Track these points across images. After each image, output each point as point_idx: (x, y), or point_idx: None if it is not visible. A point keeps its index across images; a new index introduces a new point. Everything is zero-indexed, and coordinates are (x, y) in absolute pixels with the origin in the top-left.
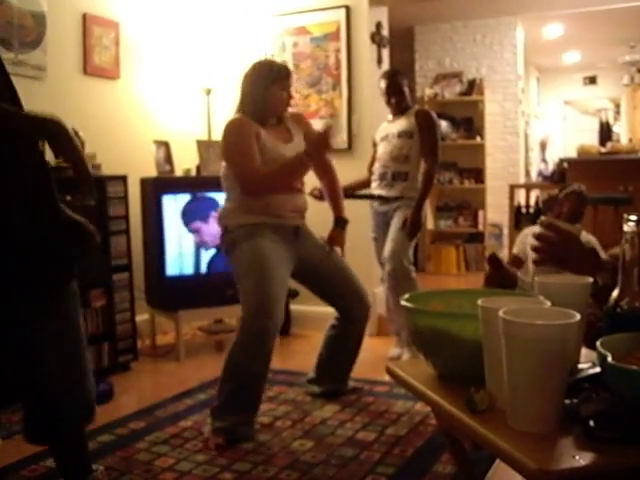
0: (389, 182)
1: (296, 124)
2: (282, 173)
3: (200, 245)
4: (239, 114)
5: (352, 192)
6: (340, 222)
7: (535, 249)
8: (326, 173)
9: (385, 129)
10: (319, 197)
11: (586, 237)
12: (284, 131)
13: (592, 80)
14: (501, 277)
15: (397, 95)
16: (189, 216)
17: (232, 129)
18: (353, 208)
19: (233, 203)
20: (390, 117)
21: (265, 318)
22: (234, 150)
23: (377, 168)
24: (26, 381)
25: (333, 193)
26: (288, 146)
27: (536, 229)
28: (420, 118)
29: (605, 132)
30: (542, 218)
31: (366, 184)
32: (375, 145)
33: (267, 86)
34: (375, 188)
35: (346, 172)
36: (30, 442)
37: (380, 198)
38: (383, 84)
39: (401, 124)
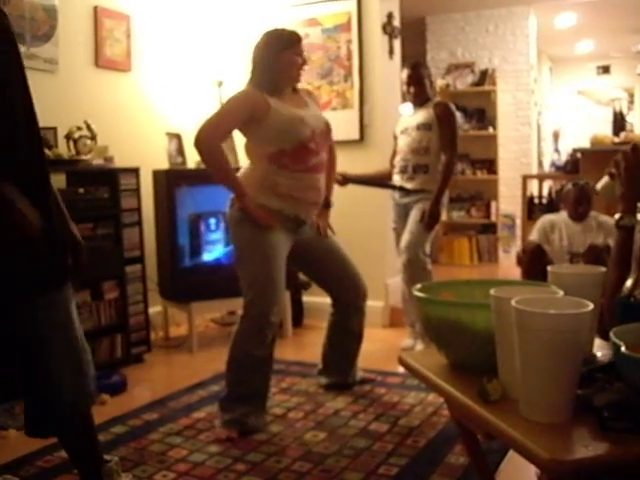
0: (410, 175)
1: (308, 97)
2: (220, 173)
3: None
4: (249, 86)
5: (373, 180)
6: (325, 203)
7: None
8: (329, 155)
9: (405, 122)
10: (341, 183)
11: (603, 218)
12: (299, 99)
13: (605, 69)
14: (544, 266)
15: (417, 85)
16: None
17: (235, 96)
18: (368, 199)
19: (259, 174)
20: (410, 111)
21: (267, 308)
22: (221, 109)
23: (398, 161)
24: (28, 372)
25: (329, 175)
26: (303, 109)
27: (553, 217)
28: (438, 110)
29: (619, 122)
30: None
31: (387, 176)
32: (395, 138)
33: (279, 52)
34: (397, 181)
35: (357, 163)
36: (32, 436)
37: (401, 189)
38: (405, 73)
39: (420, 116)
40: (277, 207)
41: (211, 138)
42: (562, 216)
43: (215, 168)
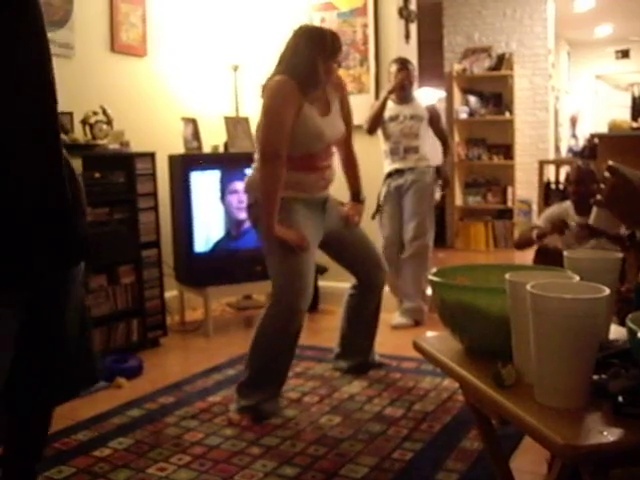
0: (402, 156)
1: (333, 90)
2: (267, 200)
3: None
4: (286, 77)
5: None
6: (355, 197)
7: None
8: (350, 163)
9: (393, 110)
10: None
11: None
12: (323, 101)
13: (624, 54)
14: (558, 255)
15: (411, 84)
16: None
17: (279, 93)
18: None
19: None
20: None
21: (296, 296)
22: (274, 118)
23: (389, 144)
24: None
25: (355, 173)
26: (326, 119)
27: (555, 209)
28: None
29: (637, 107)
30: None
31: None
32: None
33: (325, 61)
34: (389, 164)
35: (373, 148)
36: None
37: (397, 172)
38: (403, 71)
39: (411, 109)
40: (292, 196)
41: (270, 161)
42: (565, 205)
43: (268, 190)
